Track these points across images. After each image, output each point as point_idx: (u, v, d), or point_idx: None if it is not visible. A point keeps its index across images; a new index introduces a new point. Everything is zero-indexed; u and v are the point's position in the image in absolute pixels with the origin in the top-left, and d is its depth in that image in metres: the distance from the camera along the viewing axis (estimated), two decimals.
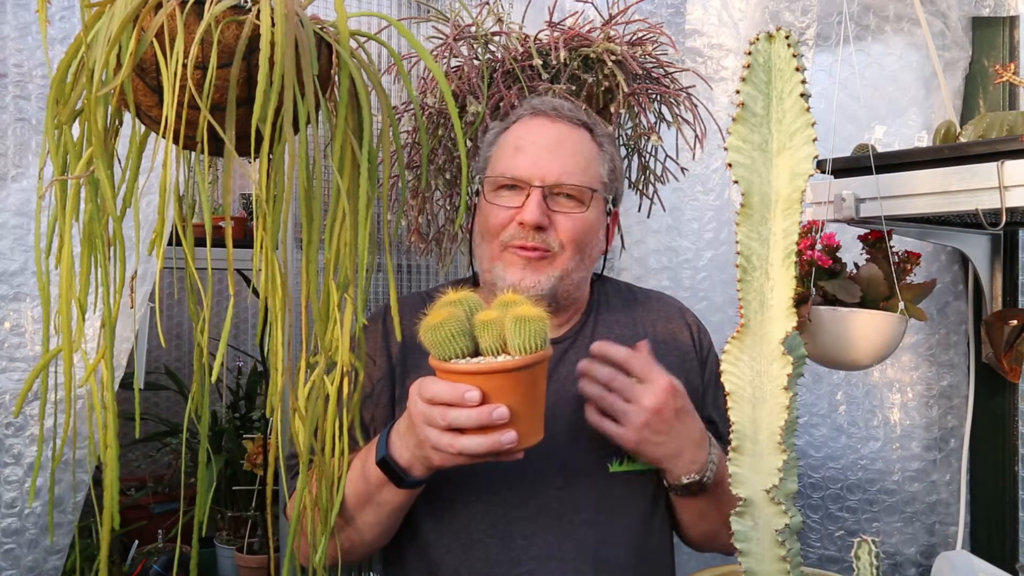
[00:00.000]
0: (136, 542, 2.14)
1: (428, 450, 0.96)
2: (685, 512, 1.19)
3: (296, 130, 0.87)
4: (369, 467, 1.04)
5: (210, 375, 0.89)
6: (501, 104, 1.33)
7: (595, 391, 1.08)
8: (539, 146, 1.16)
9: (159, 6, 0.83)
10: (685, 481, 1.09)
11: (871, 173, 1.30)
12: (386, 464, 1.02)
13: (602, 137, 1.22)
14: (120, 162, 0.93)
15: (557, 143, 1.17)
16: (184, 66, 0.81)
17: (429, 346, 0.95)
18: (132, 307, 0.97)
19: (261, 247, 0.87)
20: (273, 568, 1.49)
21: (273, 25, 0.81)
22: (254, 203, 0.87)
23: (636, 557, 1.15)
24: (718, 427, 1.23)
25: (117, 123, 0.93)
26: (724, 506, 1.10)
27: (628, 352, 1.09)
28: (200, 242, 1.34)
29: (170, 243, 1.02)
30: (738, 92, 0.87)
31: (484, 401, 0.91)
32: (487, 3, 1.44)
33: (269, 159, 0.85)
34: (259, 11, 0.82)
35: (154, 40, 0.82)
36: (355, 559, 1.16)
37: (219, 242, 1.90)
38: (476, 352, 0.96)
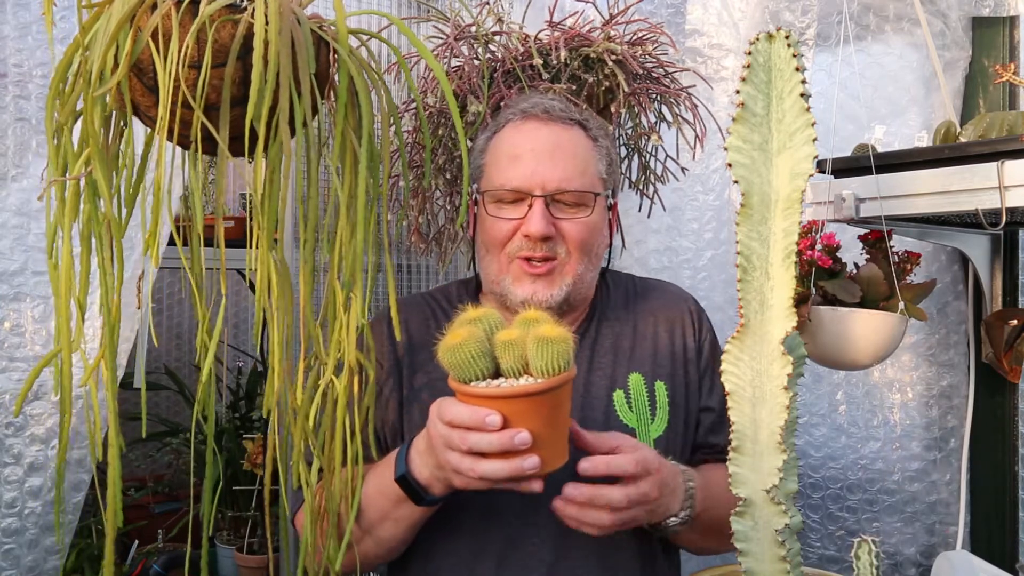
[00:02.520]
0: (136, 542, 2.14)
1: (448, 472, 0.95)
2: (676, 540, 1.17)
3: (294, 129, 0.87)
4: (387, 483, 1.03)
5: (211, 375, 0.89)
6: (502, 104, 1.32)
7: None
8: (536, 152, 1.14)
9: (155, 6, 0.83)
10: (666, 526, 1.07)
11: (871, 173, 1.30)
12: (406, 482, 1.01)
13: (596, 131, 1.19)
14: (127, 162, 0.93)
15: (554, 147, 1.14)
16: (179, 66, 0.81)
17: (448, 367, 0.93)
18: (139, 307, 0.97)
19: (256, 247, 0.87)
20: (272, 568, 1.49)
21: (267, 24, 0.80)
22: (247, 203, 0.87)
23: (642, 562, 1.15)
24: (715, 412, 1.22)
25: (122, 124, 0.93)
26: (712, 528, 1.09)
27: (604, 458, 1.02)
28: (207, 242, 1.35)
29: (174, 243, 1.02)
30: (738, 92, 0.87)
31: (506, 425, 0.89)
32: (487, 3, 1.44)
33: (265, 158, 0.85)
34: (254, 10, 0.82)
35: (150, 40, 0.82)
36: (369, 568, 1.16)
37: (227, 242, 1.90)
38: (497, 372, 0.94)
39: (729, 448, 0.89)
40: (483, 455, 0.91)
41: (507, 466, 0.90)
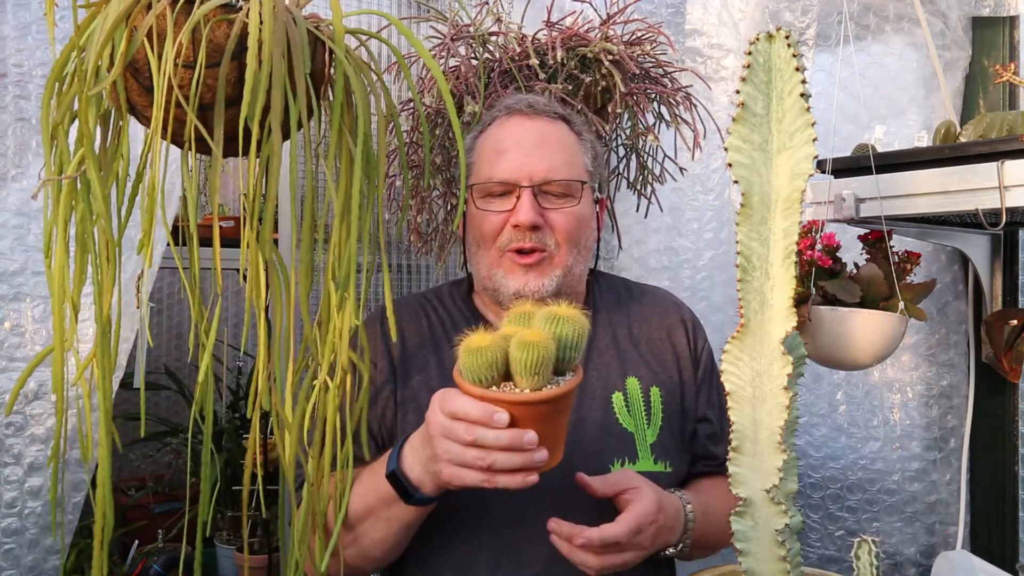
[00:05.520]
0: (136, 542, 2.14)
1: (441, 463, 0.94)
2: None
3: (289, 129, 0.87)
4: (379, 481, 1.02)
5: (208, 374, 0.88)
6: None
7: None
8: (522, 145, 1.16)
9: (151, 6, 0.83)
10: (662, 555, 1.10)
11: (871, 173, 1.30)
12: (395, 478, 1.00)
13: (580, 127, 1.22)
14: (125, 163, 0.93)
15: (539, 140, 1.16)
16: (174, 65, 0.81)
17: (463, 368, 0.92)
18: (139, 307, 0.97)
19: (247, 246, 0.87)
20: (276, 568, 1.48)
21: (261, 23, 0.80)
22: (240, 202, 0.87)
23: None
24: (713, 424, 1.22)
25: (120, 123, 0.93)
26: (706, 545, 1.12)
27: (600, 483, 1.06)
28: (206, 242, 1.35)
29: (177, 244, 1.01)
30: (738, 92, 0.87)
31: (511, 424, 0.89)
32: (486, 2, 1.44)
33: (257, 158, 0.84)
34: (249, 10, 0.82)
35: (145, 39, 0.82)
36: (364, 574, 1.15)
37: (226, 242, 1.89)
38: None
39: (729, 448, 0.89)
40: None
41: (518, 458, 0.89)
